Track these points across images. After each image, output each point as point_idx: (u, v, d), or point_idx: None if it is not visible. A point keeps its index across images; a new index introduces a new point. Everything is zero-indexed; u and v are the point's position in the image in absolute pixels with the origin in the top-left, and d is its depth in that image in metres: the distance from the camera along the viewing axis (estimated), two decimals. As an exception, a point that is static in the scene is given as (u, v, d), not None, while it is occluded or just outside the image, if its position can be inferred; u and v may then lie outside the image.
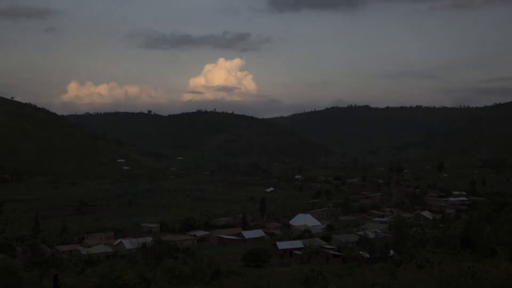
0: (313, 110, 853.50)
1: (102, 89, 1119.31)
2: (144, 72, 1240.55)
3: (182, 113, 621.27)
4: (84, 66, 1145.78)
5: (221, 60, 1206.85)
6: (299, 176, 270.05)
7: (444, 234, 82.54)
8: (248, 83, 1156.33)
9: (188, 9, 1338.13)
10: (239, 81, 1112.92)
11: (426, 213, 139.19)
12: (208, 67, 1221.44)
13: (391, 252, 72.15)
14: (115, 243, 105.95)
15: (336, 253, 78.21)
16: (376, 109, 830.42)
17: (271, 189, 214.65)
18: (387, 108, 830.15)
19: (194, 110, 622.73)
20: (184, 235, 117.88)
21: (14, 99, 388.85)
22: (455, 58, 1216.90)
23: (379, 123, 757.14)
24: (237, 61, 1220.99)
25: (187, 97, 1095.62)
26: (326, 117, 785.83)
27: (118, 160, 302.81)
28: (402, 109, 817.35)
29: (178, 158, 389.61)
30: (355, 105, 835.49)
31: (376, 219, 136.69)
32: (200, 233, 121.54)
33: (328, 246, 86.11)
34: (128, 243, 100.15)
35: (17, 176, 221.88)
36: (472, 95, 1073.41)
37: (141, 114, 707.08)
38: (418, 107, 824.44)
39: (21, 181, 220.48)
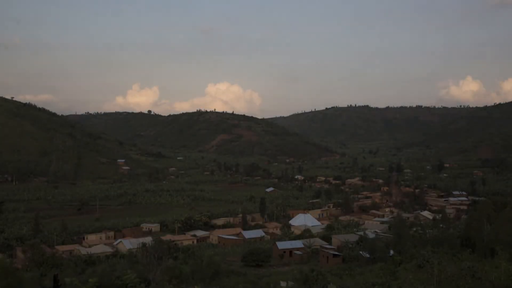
0: (313, 110, 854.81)
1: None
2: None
3: (182, 113, 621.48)
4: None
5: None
6: (299, 176, 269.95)
7: (444, 234, 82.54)
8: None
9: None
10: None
11: (426, 213, 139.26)
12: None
13: (391, 252, 72.14)
14: (115, 243, 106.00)
15: (336, 253, 78.20)
16: (376, 109, 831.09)
17: (271, 189, 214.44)
18: (387, 108, 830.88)
19: (194, 110, 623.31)
20: (184, 235, 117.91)
21: (14, 99, 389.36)
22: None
23: (379, 123, 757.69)
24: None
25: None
26: (326, 117, 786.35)
27: (118, 160, 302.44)
28: (402, 109, 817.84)
29: (178, 158, 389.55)
30: (355, 105, 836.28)
31: (376, 219, 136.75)
32: (200, 233, 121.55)
33: (328, 246, 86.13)
34: (128, 243, 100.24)
35: (17, 176, 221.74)
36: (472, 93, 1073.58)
37: (141, 114, 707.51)
38: (418, 107, 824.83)
39: (21, 181, 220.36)
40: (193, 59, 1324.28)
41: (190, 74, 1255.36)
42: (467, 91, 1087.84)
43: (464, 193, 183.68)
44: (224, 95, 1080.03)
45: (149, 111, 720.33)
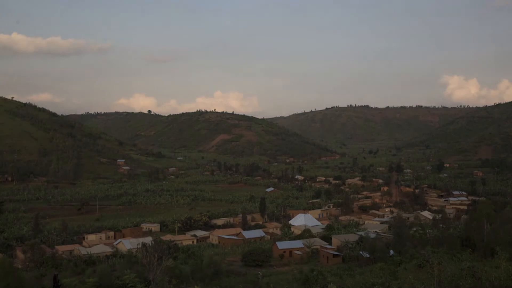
0: (313, 110, 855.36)
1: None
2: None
3: (182, 113, 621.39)
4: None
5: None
6: (299, 176, 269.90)
7: (444, 234, 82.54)
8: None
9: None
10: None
11: (426, 213, 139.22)
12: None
13: (391, 252, 72.16)
14: (115, 243, 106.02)
15: (336, 253, 78.23)
16: (376, 109, 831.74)
17: (271, 189, 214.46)
18: (387, 108, 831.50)
19: (194, 110, 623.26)
20: (184, 235, 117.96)
21: (14, 99, 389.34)
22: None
23: (379, 123, 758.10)
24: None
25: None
26: (326, 117, 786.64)
27: (118, 160, 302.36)
28: (402, 109, 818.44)
29: (178, 158, 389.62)
30: (355, 105, 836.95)
31: (376, 219, 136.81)
32: (200, 233, 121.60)
33: (328, 246, 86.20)
34: (128, 243, 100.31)
35: (17, 176, 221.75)
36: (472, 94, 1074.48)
37: (141, 114, 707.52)
38: (418, 107, 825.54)
39: (21, 181, 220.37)
40: (201, 64, 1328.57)
41: (196, 78, 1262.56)
42: (467, 91, 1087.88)
43: (464, 193, 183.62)
44: (225, 98, 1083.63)
45: (149, 111, 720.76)
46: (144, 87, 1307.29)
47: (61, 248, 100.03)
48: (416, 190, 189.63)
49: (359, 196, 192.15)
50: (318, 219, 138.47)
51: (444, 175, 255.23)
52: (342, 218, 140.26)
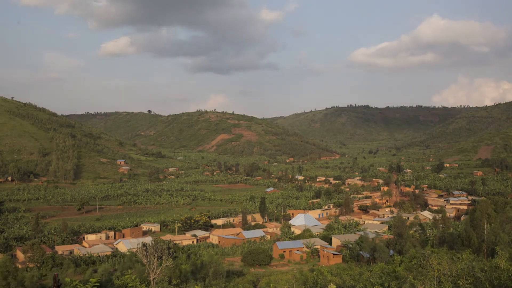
0: (313, 110, 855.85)
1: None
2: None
3: (182, 112, 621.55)
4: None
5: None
6: (299, 176, 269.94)
7: (444, 234, 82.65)
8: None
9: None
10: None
11: (426, 213, 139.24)
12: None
13: (391, 252, 72.23)
14: (115, 243, 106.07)
15: (336, 253, 78.29)
16: (376, 109, 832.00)
17: (271, 189, 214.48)
18: (387, 108, 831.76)
19: (194, 110, 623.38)
20: (184, 235, 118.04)
21: (14, 99, 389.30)
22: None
23: (379, 123, 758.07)
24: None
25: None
26: (326, 117, 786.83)
27: (118, 160, 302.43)
28: (402, 109, 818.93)
29: (178, 158, 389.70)
30: (355, 105, 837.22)
31: (376, 219, 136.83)
32: (200, 233, 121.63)
33: (328, 246, 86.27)
34: (128, 243, 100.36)
35: (17, 176, 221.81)
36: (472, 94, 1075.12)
37: (141, 114, 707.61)
38: (418, 107, 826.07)
39: (21, 181, 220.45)
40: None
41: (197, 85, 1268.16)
42: (467, 91, 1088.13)
43: (464, 193, 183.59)
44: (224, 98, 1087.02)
45: (149, 111, 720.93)
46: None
47: (61, 248, 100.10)
48: (416, 190, 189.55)
49: (359, 196, 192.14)
50: (318, 219, 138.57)
51: (444, 175, 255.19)
52: (342, 218, 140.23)
